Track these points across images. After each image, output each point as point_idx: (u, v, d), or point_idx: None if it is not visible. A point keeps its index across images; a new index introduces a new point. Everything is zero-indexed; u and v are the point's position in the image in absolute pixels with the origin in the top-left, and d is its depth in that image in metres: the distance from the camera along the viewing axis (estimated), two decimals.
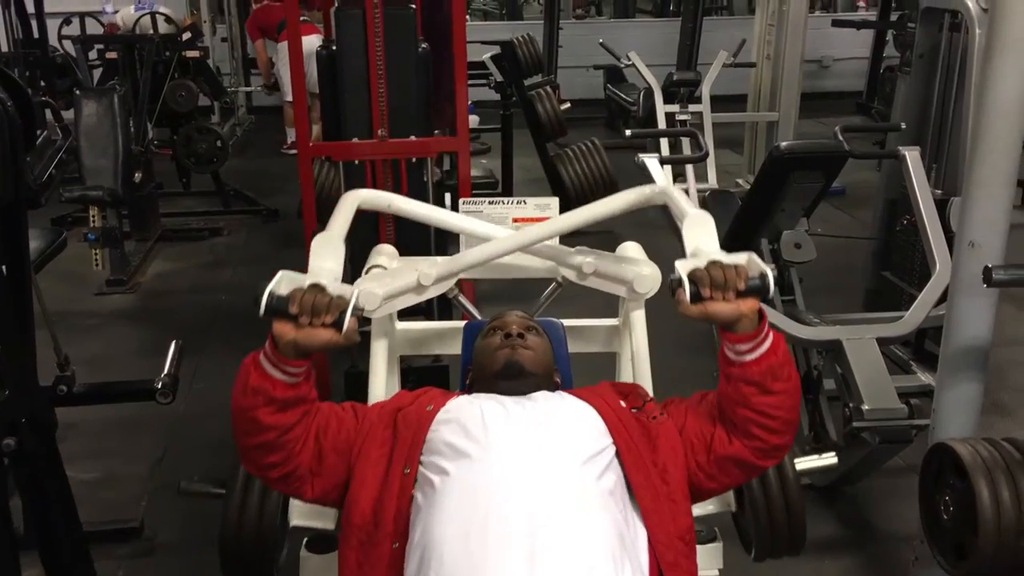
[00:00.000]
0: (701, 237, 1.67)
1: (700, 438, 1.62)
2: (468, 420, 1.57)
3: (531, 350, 1.77)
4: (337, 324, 1.41)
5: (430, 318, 3.13)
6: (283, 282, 1.45)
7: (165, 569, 2.72)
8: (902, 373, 3.68)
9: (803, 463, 1.96)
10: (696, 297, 1.46)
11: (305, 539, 1.97)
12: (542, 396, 1.68)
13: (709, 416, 1.64)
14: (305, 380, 1.49)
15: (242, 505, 1.80)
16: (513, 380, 1.71)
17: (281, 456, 1.53)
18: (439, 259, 2.12)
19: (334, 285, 1.45)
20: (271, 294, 1.43)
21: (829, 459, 2.04)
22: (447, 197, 3.96)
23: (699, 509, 1.87)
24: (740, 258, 1.49)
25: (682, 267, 1.48)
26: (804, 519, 1.86)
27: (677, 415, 1.66)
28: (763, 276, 1.47)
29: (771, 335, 1.53)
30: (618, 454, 1.57)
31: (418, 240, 3.18)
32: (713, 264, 1.47)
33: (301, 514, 1.86)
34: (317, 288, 1.43)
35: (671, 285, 1.49)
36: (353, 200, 2.09)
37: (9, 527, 1.95)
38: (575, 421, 1.60)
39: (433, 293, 2.09)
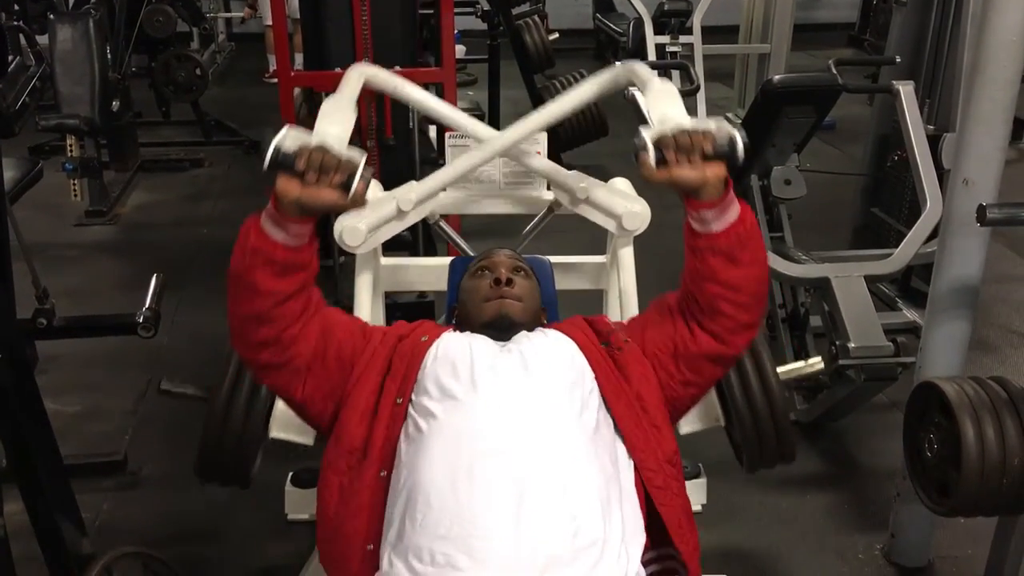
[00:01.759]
0: (667, 105, 1.59)
1: (663, 348, 1.60)
2: (457, 359, 1.55)
3: (520, 300, 1.72)
4: (345, 186, 1.36)
5: (416, 254, 3.10)
6: (289, 137, 1.38)
7: (149, 502, 2.72)
8: (888, 310, 3.69)
9: (787, 370, 1.95)
10: (661, 162, 1.41)
11: (290, 473, 1.96)
12: (527, 337, 1.64)
13: (667, 319, 1.62)
14: (307, 245, 1.44)
15: (226, 410, 1.75)
16: (501, 331, 1.67)
17: (274, 331, 1.46)
18: (416, 183, 2.05)
19: (340, 148, 1.39)
20: (277, 148, 1.36)
21: (816, 364, 2.02)
22: (432, 129, 3.87)
23: (688, 426, 1.86)
24: (708, 123, 1.45)
25: (647, 133, 1.43)
26: (790, 426, 1.84)
27: (636, 333, 1.65)
28: (732, 141, 1.42)
29: (737, 204, 1.50)
30: (600, 387, 1.55)
31: (403, 172, 3.13)
32: (680, 130, 1.42)
33: (281, 426, 1.81)
34: (324, 148, 1.36)
35: (635, 150, 1.43)
36: (360, 74, 1.96)
37: None
38: (560, 362, 1.57)
39: (416, 217, 2.04)
